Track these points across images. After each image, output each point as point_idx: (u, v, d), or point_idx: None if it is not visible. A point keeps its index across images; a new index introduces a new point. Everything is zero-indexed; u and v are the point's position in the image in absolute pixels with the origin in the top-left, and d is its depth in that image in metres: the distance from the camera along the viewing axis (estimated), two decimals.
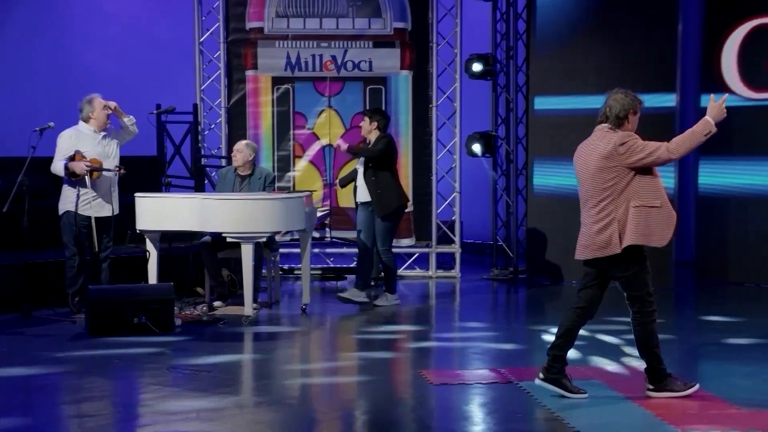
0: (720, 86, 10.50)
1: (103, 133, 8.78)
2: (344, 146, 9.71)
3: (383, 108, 11.10)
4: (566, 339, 6.09)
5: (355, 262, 10.38)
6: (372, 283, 10.36)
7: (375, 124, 9.36)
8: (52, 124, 8.73)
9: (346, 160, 10.96)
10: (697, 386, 5.99)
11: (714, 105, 5.93)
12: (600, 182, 5.85)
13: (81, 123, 8.82)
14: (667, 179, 10.28)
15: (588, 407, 5.87)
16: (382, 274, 9.96)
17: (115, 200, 8.80)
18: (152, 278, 8.79)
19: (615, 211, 5.80)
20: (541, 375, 6.09)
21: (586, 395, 6.00)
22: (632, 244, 5.77)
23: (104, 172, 8.58)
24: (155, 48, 12.97)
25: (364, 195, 9.36)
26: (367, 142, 9.40)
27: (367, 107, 11.10)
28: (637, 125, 5.98)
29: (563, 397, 5.95)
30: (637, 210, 5.80)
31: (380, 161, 9.30)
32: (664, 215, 5.83)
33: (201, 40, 11.35)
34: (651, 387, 5.99)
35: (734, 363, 7.09)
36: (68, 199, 8.64)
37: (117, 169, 8.66)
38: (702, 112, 11.11)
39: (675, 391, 5.94)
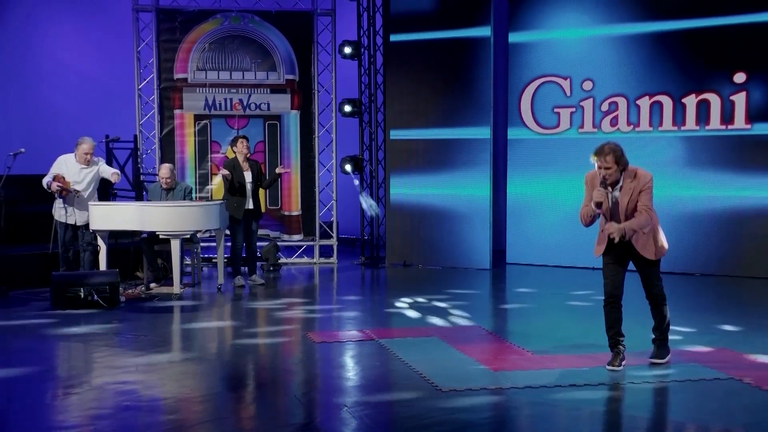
0: (521, 124, 10.84)
1: (82, 166, 8.45)
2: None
3: (278, 138, 11.07)
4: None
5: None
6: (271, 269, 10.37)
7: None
8: (23, 149, 8.47)
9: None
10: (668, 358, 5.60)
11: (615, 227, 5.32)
12: None
13: (73, 154, 8.50)
14: (483, 189, 10.55)
15: (429, 356, 5.94)
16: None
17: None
18: (103, 265, 8.59)
19: None
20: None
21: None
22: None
23: (68, 192, 8.32)
24: (105, 92, 12.61)
25: (250, 204, 9.18)
26: (247, 158, 9.18)
27: (266, 138, 11.07)
28: (599, 172, 5.28)
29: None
30: None
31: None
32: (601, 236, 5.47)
33: (140, 86, 11.09)
34: None
35: (536, 323, 7.25)
36: (55, 209, 8.46)
37: (75, 191, 8.35)
38: (507, 142, 11.25)
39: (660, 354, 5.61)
